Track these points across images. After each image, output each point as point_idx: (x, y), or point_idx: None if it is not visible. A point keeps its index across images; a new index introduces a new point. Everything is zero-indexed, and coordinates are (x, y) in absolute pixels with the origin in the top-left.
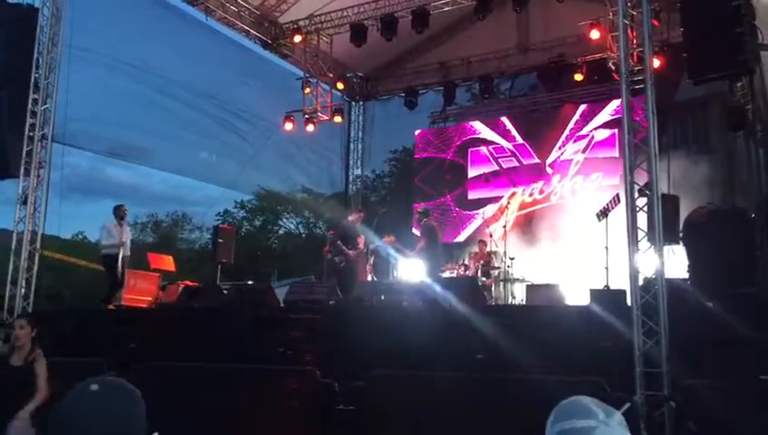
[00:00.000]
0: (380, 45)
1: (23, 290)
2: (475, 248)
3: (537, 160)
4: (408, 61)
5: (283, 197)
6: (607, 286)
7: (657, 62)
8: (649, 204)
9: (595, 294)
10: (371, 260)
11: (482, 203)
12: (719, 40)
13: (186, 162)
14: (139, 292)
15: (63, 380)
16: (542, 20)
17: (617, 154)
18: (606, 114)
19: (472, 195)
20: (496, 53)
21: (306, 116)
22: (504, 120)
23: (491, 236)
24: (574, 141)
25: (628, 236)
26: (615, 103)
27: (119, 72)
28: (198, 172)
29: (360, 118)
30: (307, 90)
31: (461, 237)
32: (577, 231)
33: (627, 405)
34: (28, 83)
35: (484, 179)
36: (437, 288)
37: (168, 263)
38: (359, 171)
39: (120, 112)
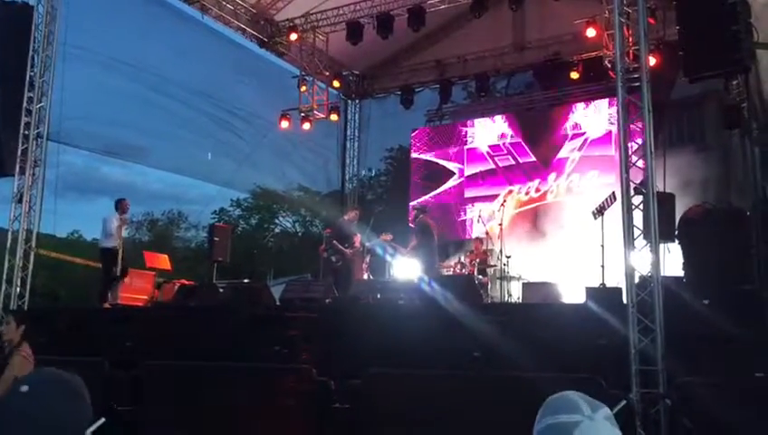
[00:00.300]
0: (376, 43)
1: (18, 289)
2: (472, 246)
3: (533, 159)
4: (405, 59)
5: (279, 195)
6: (603, 284)
7: (652, 60)
8: (645, 202)
9: (591, 291)
10: (368, 258)
11: (478, 201)
12: (715, 38)
13: (182, 161)
14: (134, 290)
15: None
16: (538, 18)
17: (613, 152)
18: (602, 112)
19: (468, 193)
20: (492, 51)
21: (302, 114)
22: (501, 118)
23: (487, 234)
24: (570, 140)
25: (624, 234)
26: (611, 101)
27: (114, 70)
28: (194, 171)
29: (357, 116)
30: (303, 88)
31: (457, 235)
32: (573, 229)
33: (622, 403)
34: (23, 82)
35: (481, 178)
36: (433, 286)
37: (163, 262)
38: (355, 170)
39: (116, 111)
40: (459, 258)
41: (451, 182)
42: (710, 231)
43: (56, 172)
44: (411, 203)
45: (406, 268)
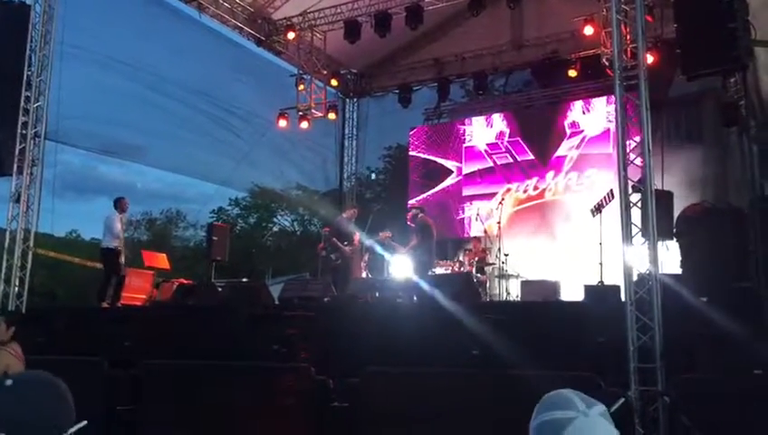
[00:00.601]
0: (374, 42)
1: (16, 288)
2: (470, 245)
3: (531, 157)
4: (402, 57)
5: (277, 194)
6: (601, 282)
7: (650, 58)
8: (643, 200)
9: (589, 289)
10: (366, 257)
11: (476, 199)
12: (712, 36)
13: (180, 160)
14: (133, 290)
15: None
16: (536, 16)
17: (611, 150)
18: (600, 110)
19: (466, 191)
20: (490, 50)
21: (300, 113)
22: (499, 116)
23: (486, 232)
24: (568, 138)
25: (622, 232)
26: (609, 99)
27: (111, 69)
28: (193, 170)
29: (355, 115)
30: (301, 87)
31: (456, 234)
32: (571, 227)
33: (621, 400)
34: (20, 81)
35: (479, 176)
36: (431, 284)
37: (162, 261)
38: (353, 168)
39: (113, 110)
40: (458, 257)
41: (449, 180)
42: (708, 229)
43: (54, 172)
44: (410, 201)
45: (404, 267)
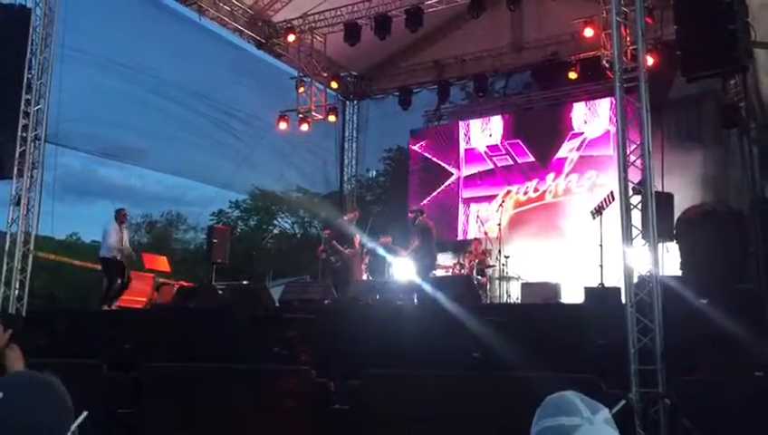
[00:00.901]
0: (374, 44)
1: (16, 291)
2: (470, 247)
3: (532, 159)
4: (402, 59)
5: (277, 196)
6: (601, 284)
7: (650, 60)
8: (643, 202)
9: (590, 291)
10: (367, 259)
11: (476, 201)
12: (712, 37)
13: (180, 162)
14: (133, 292)
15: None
16: (536, 18)
17: (611, 152)
18: (600, 112)
19: (466, 193)
20: (490, 52)
21: (300, 115)
22: (499, 118)
23: (486, 234)
24: (568, 139)
25: (623, 234)
26: (609, 101)
27: (112, 72)
28: (193, 172)
29: (355, 117)
30: (301, 89)
31: (456, 236)
32: (571, 229)
33: (622, 402)
34: (21, 84)
35: (479, 178)
36: (432, 287)
37: (162, 263)
38: (353, 170)
39: (114, 113)
40: (458, 259)
41: (449, 183)
42: (709, 231)
43: (54, 174)
44: (409, 204)
45: (405, 269)
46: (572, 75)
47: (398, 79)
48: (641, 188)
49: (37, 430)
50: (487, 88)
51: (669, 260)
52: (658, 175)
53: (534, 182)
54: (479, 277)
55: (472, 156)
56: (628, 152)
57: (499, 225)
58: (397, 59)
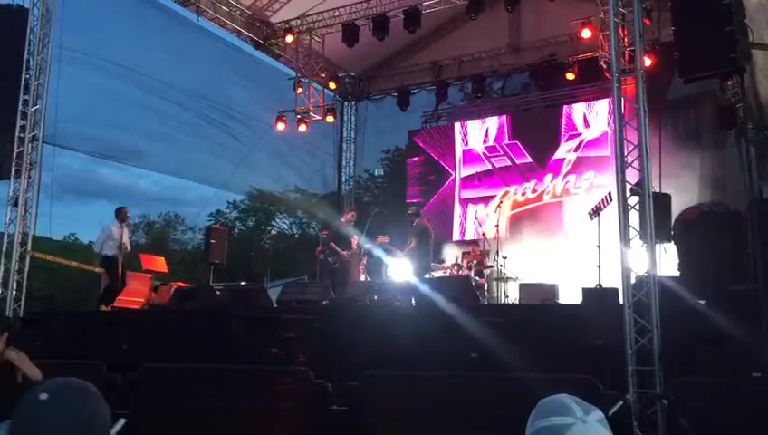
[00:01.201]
0: (372, 45)
1: (14, 292)
2: (468, 248)
3: (529, 159)
4: (400, 60)
5: (275, 197)
6: (599, 285)
7: (648, 61)
8: (641, 202)
9: (587, 292)
10: (365, 260)
11: (474, 202)
12: (710, 38)
13: (178, 163)
14: (131, 293)
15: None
16: (534, 19)
17: (608, 153)
18: (598, 113)
19: (464, 194)
20: (488, 53)
21: (298, 116)
22: (497, 119)
23: (484, 235)
24: (566, 140)
25: (620, 235)
26: (606, 102)
27: (110, 72)
28: (191, 173)
29: (353, 118)
30: (299, 90)
31: (454, 237)
32: (569, 230)
33: (619, 403)
34: (18, 84)
35: (477, 179)
36: (430, 288)
37: (160, 264)
38: (351, 171)
39: (112, 113)
40: (456, 260)
41: (447, 183)
42: (706, 232)
43: (52, 175)
44: (407, 204)
45: (403, 270)
46: (570, 76)
47: (396, 80)
48: (639, 188)
49: (80, 431)
50: (485, 89)
51: (667, 261)
52: (656, 176)
53: (532, 183)
54: (477, 278)
55: (470, 157)
56: (625, 153)
57: (497, 226)
58: (395, 60)
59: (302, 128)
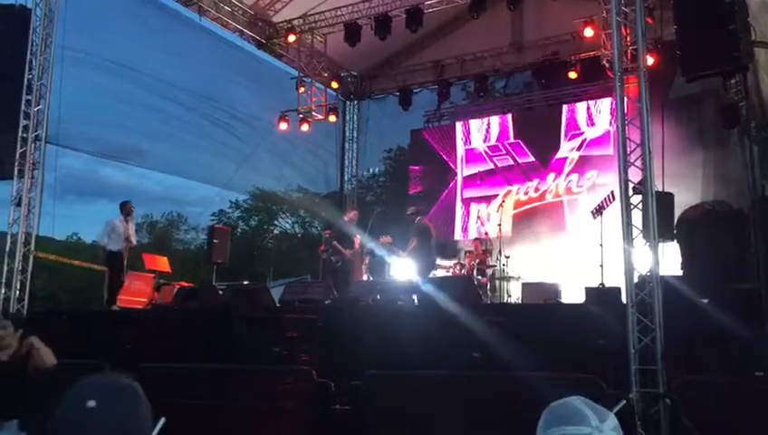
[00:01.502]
0: (374, 44)
1: (17, 292)
2: (471, 247)
3: (532, 159)
4: (403, 59)
5: (278, 196)
6: (602, 284)
7: (650, 60)
8: (644, 201)
9: (590, 291)
10: (367, 259)
11: (477, 201)
12: (712, 37)
13: (181, 163)
14: (134, 293)
15: (62, 381)
16: (536, 18)
17: (611, 152)
18: (600, 112)
19: (467, 193)
20: (491, 52)
21: (301, 115)
22: (499, 118)
23: (486, 234)
24: (569, 139)
25: (623, 234)
26: (609, 101)
27: (112, 72)
28: (194, 172)
29: (355, 117)
30: (301, 89)
31: (456, 236)
32: (572, 229)
33: (622, 403)
34: (21, 84)
35: (479, 178)
36: (432, 287)
37: (163, 264)
38: (354, 170)
39: (114, 113)
40: (458, 259)
41: (450, 182)
42: (709, 231)
43: (55, 175)
44: (409, 204)
45: (405, 269)
46: (573, 75)
47: (398, 79)
48: (642, 187)
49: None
50: (487, 88)
51: (670, 260)
52: (659, 175)
53: (535, 182)
54: (479, 277)
55: (472, 156)
56: (628, 152)
57: (499, 225)
58: (397, 59)
59: (305, 127)
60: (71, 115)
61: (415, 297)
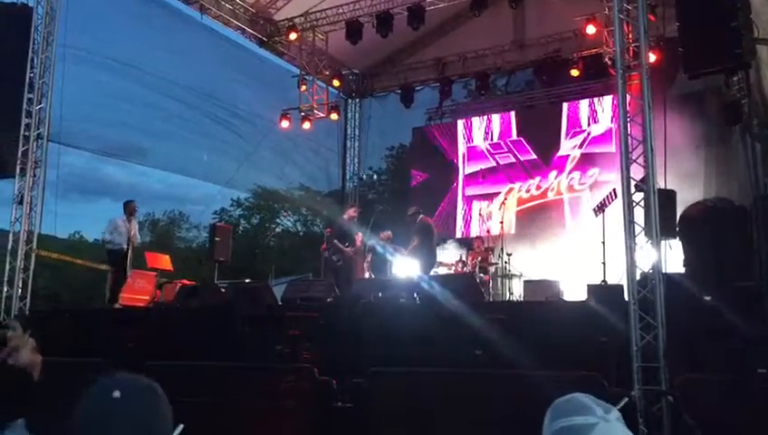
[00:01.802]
0: (376, 42)
1: (19, 290)
2: (473, 245)
3: (534, 156)
4: (404, 57)
5: (280, 194)
6: (604, 281)
7: (652, 57)
8: (646, 199)
9: (592, 289)
10: (369, 257)
11: (479, 199)
12: (715, 34)
13: (183, 161)
14: (136, 291)
15: (64, 380)
16: (538, 15)
17: (613, 149)
18: (602, 109)
19: (469, 191)
20: (492, 49)
21: (302, 114)
22: (501, 116)
23: (488, 232)
24: (571, 137)
25: (625, 231)
26: (611, 98)
27: (114, 71)
28: (195, 171)
29: (357, 115)
30: (303, 87)
31: (458, 234)
32: (574, 226)
33: (624, 400)
34: (23, 83)
35: (481, 176)
36: (434, 285)
37: (165, 262)
38: (356, 168)
39: (116, 111)
40: (460, 256)
41: (452, 180)
42: (711, 228)
43: (57, 173)
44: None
45: (407, 267)
46: (575, 73)
47: (400, 77)
48: (644, 185)
49: (149, 432)
50: (489, 86)
51: (672, 257)
52: (661, 172)
53: (537, 180)
54: (481, 275)
55: (474, 154)
56: (630, 149)
57: (501, 222)
58: (399, 57)
59: (306, 125)
60: (72, 113)
61: (416, 295)
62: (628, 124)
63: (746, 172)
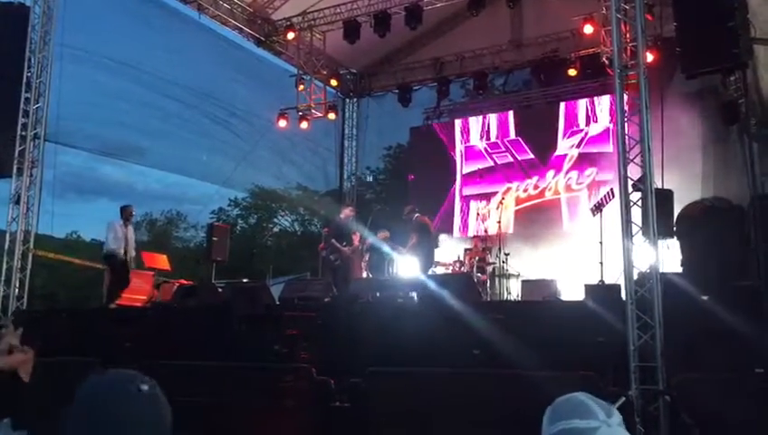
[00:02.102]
0: (374, 42)
1: (16, 290)
2: (470, 244)
3: (531, 156)
4: (402, 57)
5: (277, 194)
6: (601, 281)
7: (650, 57)
8: (643, 198)
9: (590, 289)
10: (367, 256)
11: (476, 199)
12: (712, 34)
13: (180, 160)
14: (133, 291)
15: (61, 379)
16: (536, 15)
17: (611, 149)
18: (600, 109)
19: (466, 191)
20: (490, 49)
21: (300, 113)
22: (499, 115)
23: (486, 231)
24: (568, 137)
25: (623, 231)
26: (609, 98)
27: (111, 70)
28: (193, 170)
29: (354, 115)
30: (301, 87)
31: (456, 233)
32: (571, 226)
33: (622, 400)
34: (20, 82)
35: (479, 175)
36: (432, 284)
37: (162, 262)
38: (353, 168)
39: (114, 111)
40: (458, 256)
41: (449, 180)
42: (709, 227)
43: (54, 173)
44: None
45: (405, 266)
46: (572, 72)
47: (397, 76)
48: (641, 184)
49: (166, 429)
50: (487, 85)
51: (670, 257)
52: (658, 172)
53: (534, 179)
54: (479, 275)
55: (472, 153)
56: (627, 149)
57: (499, 222)
58: (396, 56)
59: (304, 125)
60: (70, 113)
61: (414, 294)
62: (626, 124)
63: (744, 171)
